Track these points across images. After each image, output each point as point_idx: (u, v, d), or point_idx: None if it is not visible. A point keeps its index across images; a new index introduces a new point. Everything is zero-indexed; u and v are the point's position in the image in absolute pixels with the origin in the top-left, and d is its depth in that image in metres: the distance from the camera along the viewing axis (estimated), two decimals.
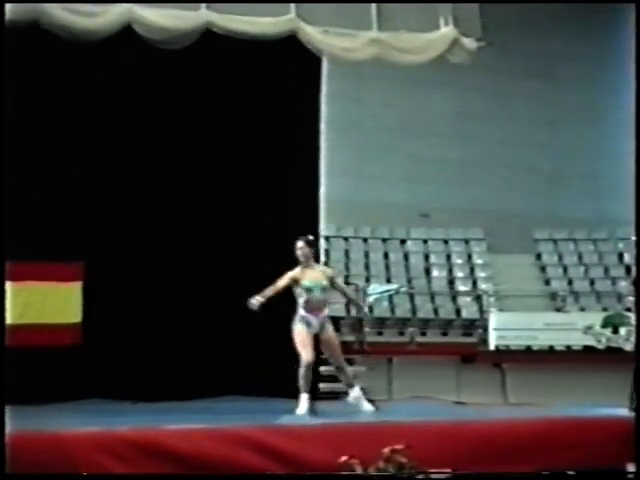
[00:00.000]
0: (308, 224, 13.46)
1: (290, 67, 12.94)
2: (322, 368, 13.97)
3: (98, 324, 12.00)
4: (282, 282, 10.26)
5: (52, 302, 12.30)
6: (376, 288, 19.90)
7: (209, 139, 12.67)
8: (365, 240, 22.22)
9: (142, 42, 11.98)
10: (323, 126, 13.79)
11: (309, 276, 10.31)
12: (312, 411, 10.04)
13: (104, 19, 11.87)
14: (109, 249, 12.09)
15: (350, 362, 16.79)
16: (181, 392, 10.62)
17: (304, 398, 10.10)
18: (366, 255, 21.91)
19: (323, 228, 15.26)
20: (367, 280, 20.68)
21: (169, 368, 11.91)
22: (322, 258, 17.91)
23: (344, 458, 7.29)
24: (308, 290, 10.25)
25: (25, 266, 11.98)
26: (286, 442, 7.96)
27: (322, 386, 13.92)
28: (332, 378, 15.42)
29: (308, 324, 10.24)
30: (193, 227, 12.36)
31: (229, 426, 8.55)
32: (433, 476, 7.42)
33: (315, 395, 12.89)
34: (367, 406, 10.42)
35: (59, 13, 11.64)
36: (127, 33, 11.91)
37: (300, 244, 10.40)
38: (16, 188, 11.83)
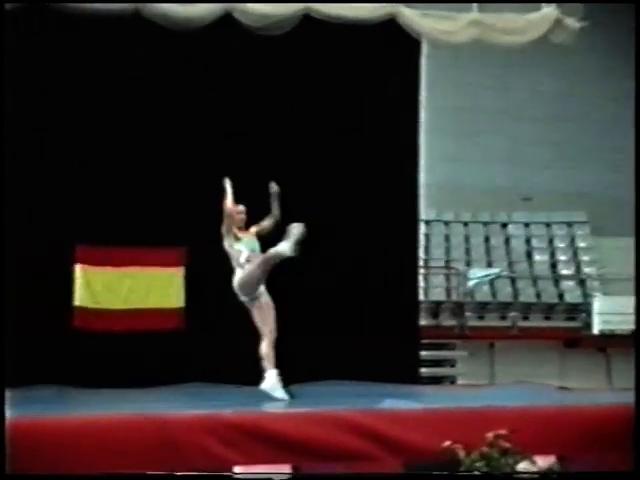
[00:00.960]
0: (408, 209, 13.42)
1: (389, 51, 12.89)
2: (424, 353, 13.97)
3: (201, 309, 12.13)
4: None
5: (156, 287, 12.47)
6: (477, 272, 19.73)
7: (309, 123, 12.68)
8: (466, 224, 22.02)
9: (239, 29, 12.07)
10: (422, 110, 13.71)
11: None
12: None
13: (205, 6, 11.98)
14: (211, 234, 12.17)
15: (451, 347, 16.79)
16: (284, 376, 10.66)
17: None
18: (467, 239, 21.73)
19: (423, 213, 15.20)
20: (468, 264, 20.52)
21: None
22: (422, 242, 17.92)
23: (447, 443, 7.27)
24: None
25: (129, 252, 12.20)
26: (389, 426, 7.94)
27: (423, 371, 13.90)
28: (434, 363, 15.45)
29: None
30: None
31: (331, 410, 8.57)
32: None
33: (416, 379, 12.92)
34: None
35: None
36: (225, 20, 12.04)
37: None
38: (121, 175, 12.10)
